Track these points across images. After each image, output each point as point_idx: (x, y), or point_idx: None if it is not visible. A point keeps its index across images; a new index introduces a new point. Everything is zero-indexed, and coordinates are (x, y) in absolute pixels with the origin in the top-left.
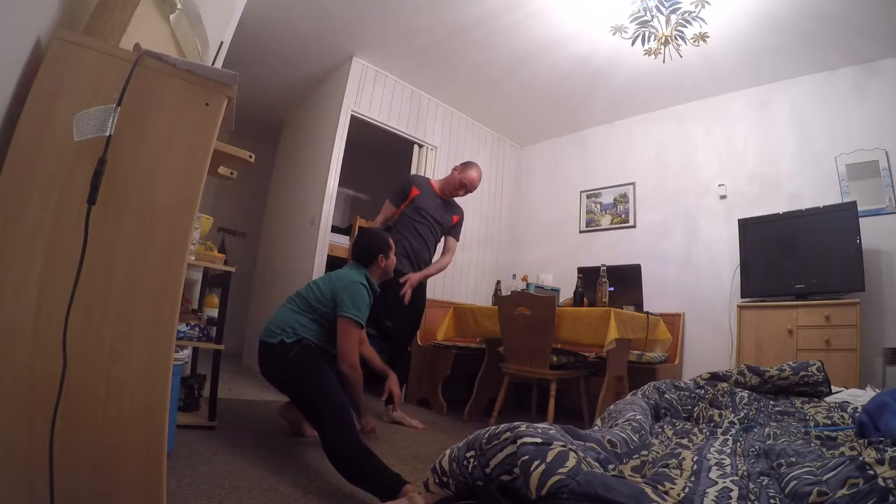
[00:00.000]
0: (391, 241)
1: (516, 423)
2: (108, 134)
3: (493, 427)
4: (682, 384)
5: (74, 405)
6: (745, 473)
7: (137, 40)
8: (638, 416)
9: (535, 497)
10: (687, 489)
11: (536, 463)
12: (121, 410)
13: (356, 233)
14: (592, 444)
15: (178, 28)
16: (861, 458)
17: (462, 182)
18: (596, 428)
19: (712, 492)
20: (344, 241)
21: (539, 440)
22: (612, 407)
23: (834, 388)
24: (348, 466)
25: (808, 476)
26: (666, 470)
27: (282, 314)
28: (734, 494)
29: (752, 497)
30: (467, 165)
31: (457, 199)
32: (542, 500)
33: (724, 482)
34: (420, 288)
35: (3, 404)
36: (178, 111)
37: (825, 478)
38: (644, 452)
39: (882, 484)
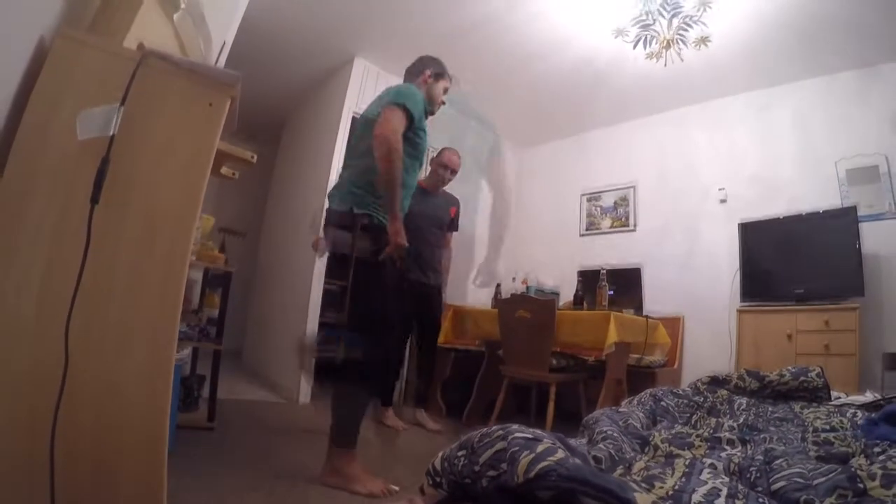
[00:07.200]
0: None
1: (508, 424)
2: (111, 133)
3: (486, 428)
4: (681, 391)
5: (76, 404)
6: (736, 470)
7: (141, 39)
8: (615, 434)
9: (521, 480)
10: (677, 486)
11: (526, 452)
12: (122, 410)
13: None
14: (582, 452)
15: (182, 28)
16: (853, 469)
17: (441, 165)
18: (583, 442)
19: (701, 490)
20: None
21: (530, 436)
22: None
23: (833, 394)
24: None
25: (798, 479)
26: (657, 472)
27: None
28: (723, 493)
29: (741, 497)
30: (441, 152)
31: (450, 190)
32: (529, 483)
33: (713, 482)
34: (436, 292)
35: (5, 403)
36: (182, 111)
37: (815, 482)
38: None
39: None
